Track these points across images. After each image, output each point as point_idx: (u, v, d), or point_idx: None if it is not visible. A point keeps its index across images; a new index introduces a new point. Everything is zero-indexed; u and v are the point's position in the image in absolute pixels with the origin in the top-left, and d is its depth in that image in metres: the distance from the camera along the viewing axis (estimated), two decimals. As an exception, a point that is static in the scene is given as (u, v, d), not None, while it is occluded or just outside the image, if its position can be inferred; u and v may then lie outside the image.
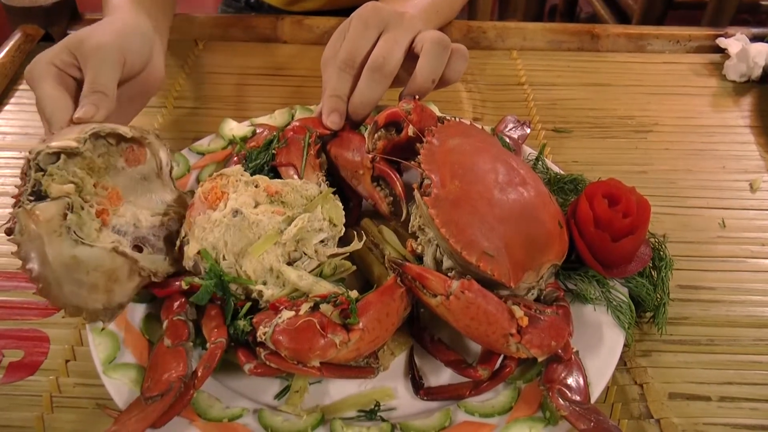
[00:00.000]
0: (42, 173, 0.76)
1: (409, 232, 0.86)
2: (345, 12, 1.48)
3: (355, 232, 0.86)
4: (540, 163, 1.03)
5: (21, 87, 1.29)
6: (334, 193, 0.88)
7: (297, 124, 0.98)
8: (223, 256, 0.80)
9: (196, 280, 0.79)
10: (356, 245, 0.84)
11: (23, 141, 1.18)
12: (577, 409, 0.72)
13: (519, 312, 0.74)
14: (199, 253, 0.80)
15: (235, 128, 1.11)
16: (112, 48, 0.88)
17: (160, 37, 1.03)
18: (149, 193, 0.88)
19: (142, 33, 0.96)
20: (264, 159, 0.96)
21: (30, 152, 0.77)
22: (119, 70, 0.89)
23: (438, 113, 1.07)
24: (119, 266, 0.76)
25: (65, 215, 0.74)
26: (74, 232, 0.74)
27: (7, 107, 1.25)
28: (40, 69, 0.87)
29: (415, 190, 0.82)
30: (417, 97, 0.93)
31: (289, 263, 0.81)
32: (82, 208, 0.77)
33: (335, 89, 0.94)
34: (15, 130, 1.20)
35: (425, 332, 0.82)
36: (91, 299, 0.75)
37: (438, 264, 0.82)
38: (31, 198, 0.75)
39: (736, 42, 1.39)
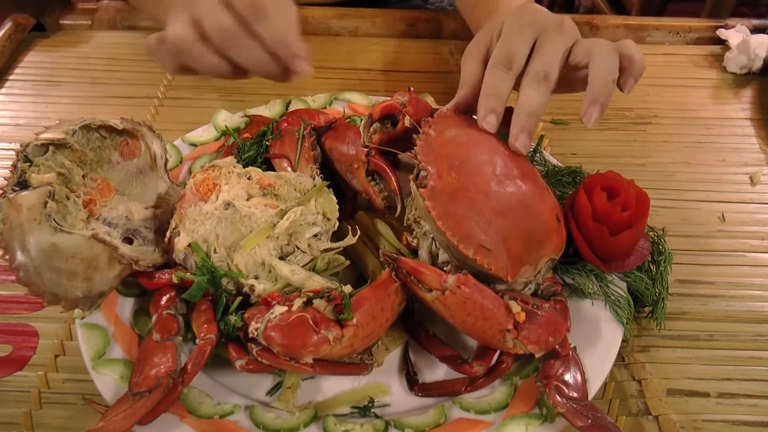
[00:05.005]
0: (29, 164, 0.76)
1: (405, 225, 0.85)
2: (342, 5, 1.46)
3: (350, 227, 0.85)
4: (538, 155, 1.02)
5: (12, 77, 1.27)
6: (328, 186, 0.87)
7: (292, 115, 0.97)
8: (214, 249, 0.78)
9: (188, 275, 0.78)
10: (350, 240, 0.83)
11: (14, 132, 1.17)
12: (575, 405, 0.71)
13: (516, 307, 0.72)
14: (189, 245, 0.78)
15: (228, 119, 1.09)
16: None
17: None
18: (143, 186, 0.88)
19: None
20: (257, 150, 0.95)
21: (21, 144, 0.77)
22: None
23: (434, 105, 1.06)
24: (98, 253, 0.76)
25: (46, 203, 0.74)
26: (54, 220, 0.73)
27: (-3, 97, 1.24)
28: None
29: (411, 181, 0.81)
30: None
31: (282, 257, 0.80)
32: (68, 198, 0.77)
33: (495, 87, 0.85)
34: (6, 121, 1.19)
35: (420, 327, 0.81)
36: (70, 287, 0.74)
37: (434, 258, 0.80)
38: (16, 188, 0.74)
39: (736, 33, 1.37)
